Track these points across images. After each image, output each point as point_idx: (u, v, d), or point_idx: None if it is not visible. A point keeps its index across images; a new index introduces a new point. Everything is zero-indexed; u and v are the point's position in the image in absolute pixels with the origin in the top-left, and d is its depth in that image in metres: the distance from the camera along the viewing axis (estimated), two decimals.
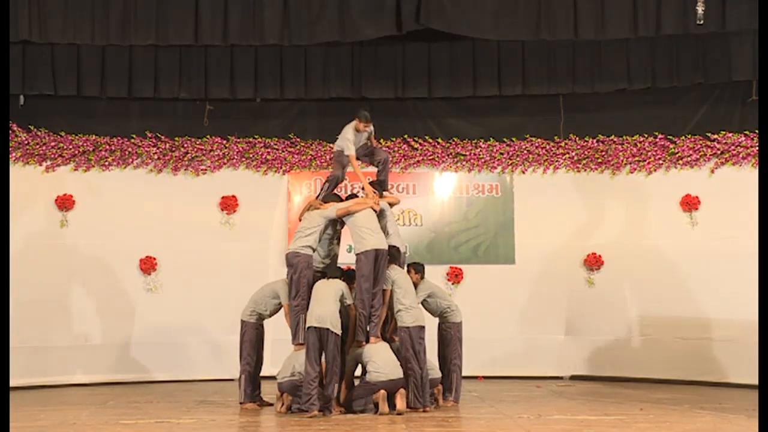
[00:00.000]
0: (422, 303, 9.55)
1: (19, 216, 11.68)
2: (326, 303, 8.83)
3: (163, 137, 12.50)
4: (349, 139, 9.62)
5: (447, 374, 9.54)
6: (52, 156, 12.17)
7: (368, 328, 9.12)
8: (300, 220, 9.66)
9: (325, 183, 10.02)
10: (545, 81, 12.25)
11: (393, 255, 9.41)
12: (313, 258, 9.32)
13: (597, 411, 9.11)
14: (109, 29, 10.55)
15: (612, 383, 11.70)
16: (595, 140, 12.63)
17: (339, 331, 8.79)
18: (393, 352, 9.06)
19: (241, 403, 9.46)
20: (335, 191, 10.03)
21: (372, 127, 9.86)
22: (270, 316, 9.63)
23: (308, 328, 8.74)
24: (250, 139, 12.69)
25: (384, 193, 9.85)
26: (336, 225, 9.57)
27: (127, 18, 10.54)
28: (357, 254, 9.18)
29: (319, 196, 9.93)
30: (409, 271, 9.59)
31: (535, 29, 10.67)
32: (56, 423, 8.40)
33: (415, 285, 9.52)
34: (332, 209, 9.41)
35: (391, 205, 9.79)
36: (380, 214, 9.48)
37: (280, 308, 9.47)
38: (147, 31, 10.59)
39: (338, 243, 9.72)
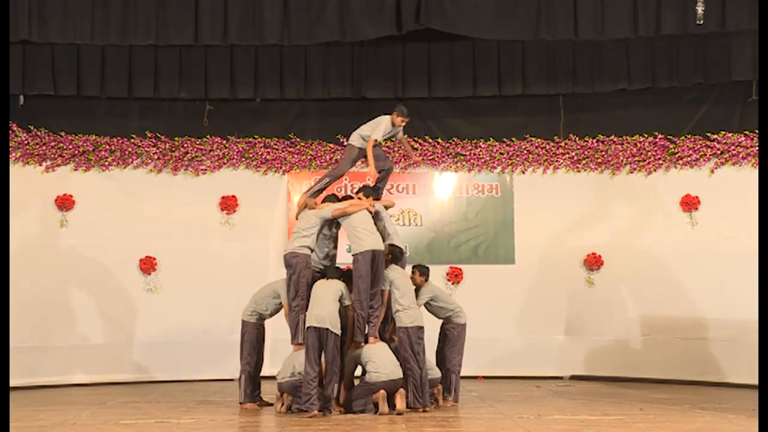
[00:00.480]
0: (425, 306, 9.56)
1: (19, 216, 11.67)
2: (325, 303, 8.83)
3: (163, 137, 12.51)
4: (380, 130, 9.48)
5: (446, 374, 9.53)
6: (52, 156, 12.17)
7: (367, 329, 9.13)
8: (297, 219, 9.66)
9: (325, 177, 9.92)
10: (545, 81, 12.25)
11: (395, 255, 9.41)
12: (312, 259, 9.32)
13: (597, 411, 9.11)
14: (109, 29, 10.56)
15: (612, 383, 11.70)
16: (595, 140, 12.63)
17: (338, 331, 8.79)
18: (392, 352, 9.07)
19: (241, 403, 9.45)
20: (333, 192, 9.99)
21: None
22: (270, 316, 9.63)
23: (308, 328, 8.74)
24: (250, 139, 12.69)
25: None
26: (333, 226, 9.56)
27: (127, 18, 10.55)
28: (354, 255, 9.16)
29: (310, 189, 9.86)
30: (413, 273, 9.59)
31: (535, 29, 10.68)
32: (56, 423, 8.40)
33: (419, 287, 9.53)
34: (328, 210, 9.39)
35: (386, 208, 9.78)
36: (376, 216, 9.46)
37: (281, 308, 9.46)
38: (147, 31, 10.60)
39: (335, 245, 9.69)
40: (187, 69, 12.11)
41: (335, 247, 9.66)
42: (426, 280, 9.62)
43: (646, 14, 10.54)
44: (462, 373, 9.75)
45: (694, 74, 11.96)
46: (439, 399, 9.38)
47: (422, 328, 9.09)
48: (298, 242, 9.24)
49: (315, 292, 9.00)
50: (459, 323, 9.61)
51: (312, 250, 9.29)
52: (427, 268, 9.71)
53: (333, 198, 9.76)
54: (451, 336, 9.61)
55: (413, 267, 9.68)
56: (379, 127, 9.50)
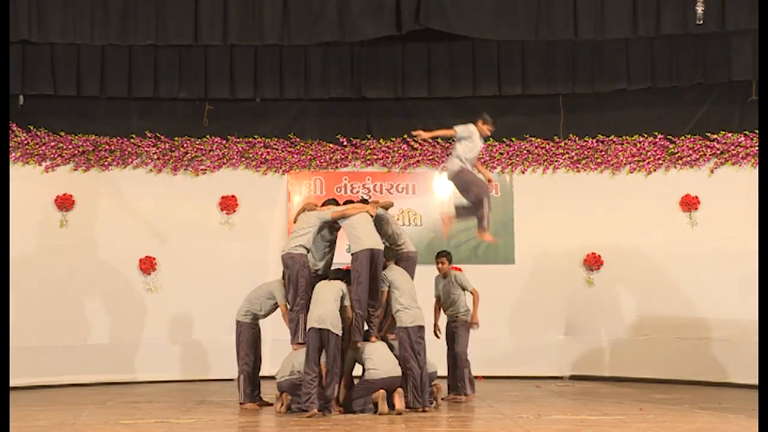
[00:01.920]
0: (443, 293, 9.97)
1: (18, 216, 11.65)
2: (326, 304, 8.83)
3: (162, 137, 12.50)
4: (465, 127, 9.42)
5: (460, 369, 9.79)
6: (52, 156, 12.17)
7: (366, 328, 9.13)
8: (294, 222, 9.66)
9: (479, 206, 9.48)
10: (545, 81, 12.23)
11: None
12: (308, 259, 9.31)
13: (597, 411, 9.12)
14: (109, 29, 10.55)
15: (612, 383, 11.70)
16: (594, 140, 12.62)
17: (339, 332, 8.79)
18: (391, 351, 9.08)
19: (240, 404, 9.46)
20: (334, 196, 9.98)
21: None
22: (265, 316, 9.62)
23: (309, 329, 8.75)
24: (250, 139, 12.69)
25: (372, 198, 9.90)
26: (332, 230, 9.55)
27: (127, 18, 10.54)
28: (353, 254, 9.18)
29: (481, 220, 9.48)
30: (442, 261, 9.93)
31: (535, 29, 10.68)
32: (56, 423, 8.40)
33: (447, 273, 9.95)
34: (328, 211, 9.41)
35: (385, 208, 9.79)
36: (381, 220, 9.48)
37: (276, 308, 9.46)
38: (147, 31, 10.60)
39: (332, 249, 9.66)
40: (187, 69, 12.10)
41: (332, 251, 9.65)
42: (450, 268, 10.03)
43: (646, 14, 10.53)
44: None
45: (694, 74, 11.95)
46: (438, 397, 9.39)
47: (423, 327, 9.11)
48: (294, 242, 9.26)
49: (316, 293, 9.01)
50: (465, 320, 9.93)
51: (308, 250, 9.28)
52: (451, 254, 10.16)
53: (334, 201, 9.78)
54: (458, 333, 9.84)
55: (441, 252, 10.02)
56: (465, 127, 9.43)
